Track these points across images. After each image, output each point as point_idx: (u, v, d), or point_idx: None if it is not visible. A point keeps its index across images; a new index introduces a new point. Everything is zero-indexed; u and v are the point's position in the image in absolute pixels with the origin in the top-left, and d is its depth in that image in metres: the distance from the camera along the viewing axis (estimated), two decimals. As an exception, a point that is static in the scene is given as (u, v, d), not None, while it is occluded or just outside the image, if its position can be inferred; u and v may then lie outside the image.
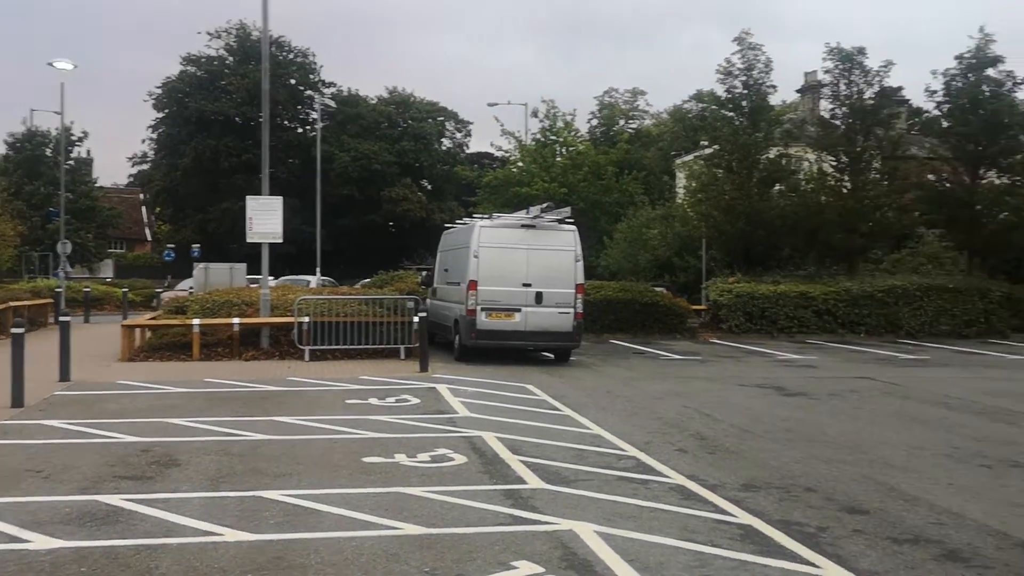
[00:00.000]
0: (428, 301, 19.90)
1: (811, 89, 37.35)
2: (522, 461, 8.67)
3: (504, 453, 9.06)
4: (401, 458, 8.77)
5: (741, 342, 22.91)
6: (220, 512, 6.82)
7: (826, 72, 28.20)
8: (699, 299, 28.35)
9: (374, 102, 68.54)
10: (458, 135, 73.19)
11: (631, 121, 59.20)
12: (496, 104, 43.92)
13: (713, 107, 30.00)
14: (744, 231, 27.36)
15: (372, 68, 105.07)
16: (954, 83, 27.53)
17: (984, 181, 27.64)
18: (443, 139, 71.50)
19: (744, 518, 6.87)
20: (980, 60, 27.07)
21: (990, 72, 27.21)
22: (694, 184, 30.29)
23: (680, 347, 21.61)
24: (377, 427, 10.49)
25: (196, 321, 17.88)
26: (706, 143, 30.45)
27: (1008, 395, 14.01)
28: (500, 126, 42.64)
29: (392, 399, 12.70)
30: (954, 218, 27.96)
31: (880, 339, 24.24)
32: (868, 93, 27.40)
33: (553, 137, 39.49)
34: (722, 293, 25.20)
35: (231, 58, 63.74)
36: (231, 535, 6.26)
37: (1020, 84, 27.50)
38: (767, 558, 5.93)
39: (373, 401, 12.50)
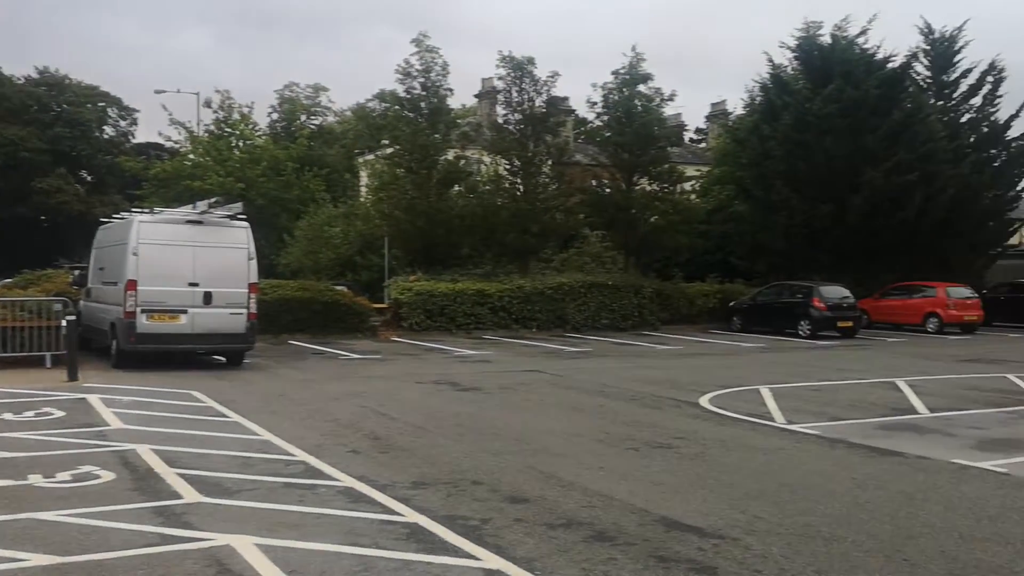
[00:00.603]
0: (81, 303, 18.09)
1: (487, 95, 38.84)
2: (179, 474, 8.03)
3: (160, 467, 8.35)
4: (36, 479, 7.77)
5: (421, 339, 23.25)
6: None
7: (500, 79, 29.47)
8: (382, 297, 28.44)
9: (21, 82, 61.46)
10: (122, 123, 67.59)
11: (313, 117, 58.20)
12: (164, 92, 41.15)
13: (395, 107, 30.22)
14: (424, 230, 27.83)
15: (18, 46, 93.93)
16: (611, 96, 29.87)
17: (638, 187, 30.28)
18: (105, 127, 65.71)
19: (411, 516, 6.83)
20: (633, 76, 29.61)
21: (642, 88, 29.83)
22: (376, 183, 30.34)
23: (361, 346, 21.48)
24: (9, 445, 9.23)
25: None
26: (388, 142, 30.63)
27: (656, 382, 15.35)
28: (169, 115, 39.97)
29: (31, 413, 11.30)
30: (613, 220, 30.39)
31: (550, 333, 25.73)
32: (538, 101, 28.95)
33: (229, 130, 37.75)
34: (403, 291, 25.46)
35: None
36: None
37: (667, 100, 30.48)
38: (430, 555, 5.91)
39: (7, 416, 11.02)
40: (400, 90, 28.87)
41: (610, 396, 13.67)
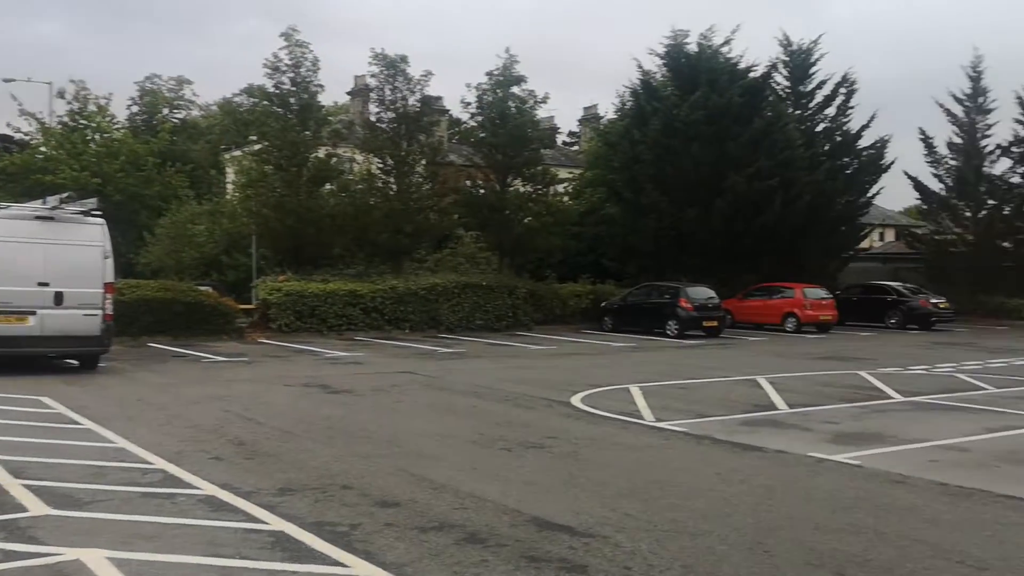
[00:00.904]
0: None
1: (360, 92, 38.30)
2: (25, 485, 7.50)
3: (3, 478, 7.77)
4: None
5: (291, 341, 22.67)
6: None
7: (372, 77, 29.09)
8: (249, 298, 27.61)
9: None
10: (-32, 113, 63.37)
11: (176, 111, 56.02)
12: (13, 80, 38.74)
13: (263, 103, 29.43)
14: (294, 229, 27.17)
15: None
16: (485, 97, 29.96)
17: (512, 188, 30.46)
18: (-52, 116, 61.46)
19: (277, 524, 6.60)
20: (507, 78, 29.77)
21: (515, 90, 30.01)
22: (243, 180, 29.47)
23: (226, 348, 20.75)
24: None
25: None
26: (256, 138, 29.79)
27: (529, 382, 15.42)
28: (18, 106, 37.59)
29: None
30: (487, 221, 30.47)
31: (423, 334, 25.54)
32: (411, 100, 28.73)
33: (84, 122, 35.90)
34: (272, 292, 24.77)
35: None
36: None
37: (540, 102, 30.76)
38: (296, 564, 5.71)
39: None
40: (269, 85, 28.13)
41: (483, 397, 13.65)
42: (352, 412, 12.03)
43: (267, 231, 27.90)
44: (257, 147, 29.17)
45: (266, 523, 6.63)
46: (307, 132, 27.91)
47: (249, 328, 24.25)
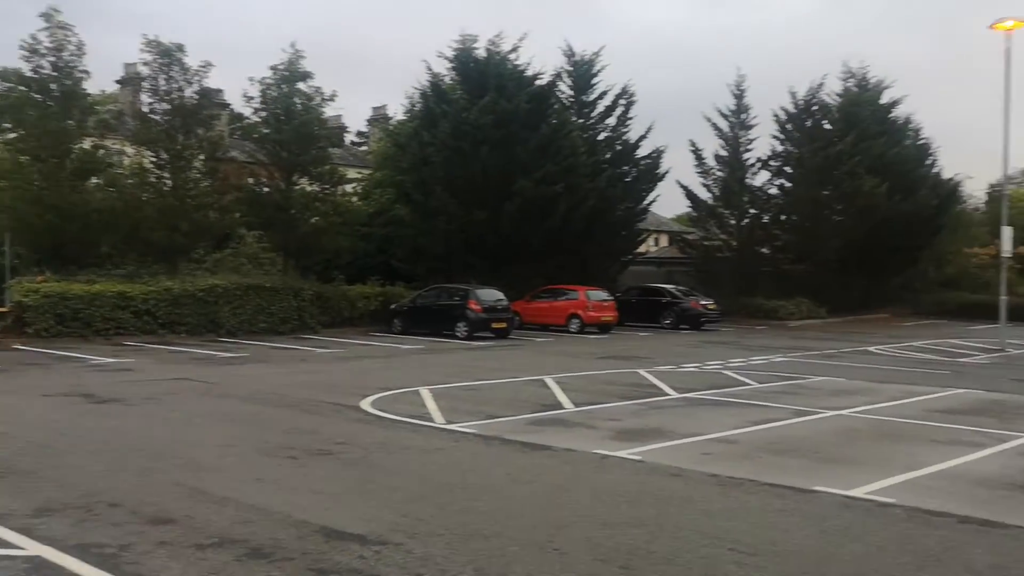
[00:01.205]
0: None
1: (131, 81, 35.88)
2: None
3: None
4: None
5: (50, 347, 20.83)
6: None
7: (145, 65, 27.35)
8: (2, 300, 25.15)
9: None
10: None
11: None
12: None
13: (20, 87, 26.90)
14: (55, 225, 25.06)
15: None
16: (270, 92, 28.89)
17: (297, 187, 29.58)
18: None
19: (34, 548, 6.00)
20: (293, 73, 28.87)
21: (301, 86, 29.16)
22: (-6, 172, 26.80)
23: (-26, 356, 18.77)
24: None
25: None
26: (10, 126, 27.17)
27: (316, 387, 14.96)
28: None
29: None
30: (271, 220, 29.42)
31: (201, 338, 24.26)
32: (188, 91, 27.27)
33: None
34: (28, 293, 22.71)
35: None
36: None
37: (328, 100, 30.03)
38: (54, 594, 5.17)
39: None
40: (26, 69, 25.77)
41: (267, 403, 13.09)
42: (121, 423, 11.17)
43: (23, 227, 25.54)
44: (11, 136, 26.65)
45: (21, 548, 6.03)
46: (70, 121, 25.92)
47: (1, 334, 22.07)
